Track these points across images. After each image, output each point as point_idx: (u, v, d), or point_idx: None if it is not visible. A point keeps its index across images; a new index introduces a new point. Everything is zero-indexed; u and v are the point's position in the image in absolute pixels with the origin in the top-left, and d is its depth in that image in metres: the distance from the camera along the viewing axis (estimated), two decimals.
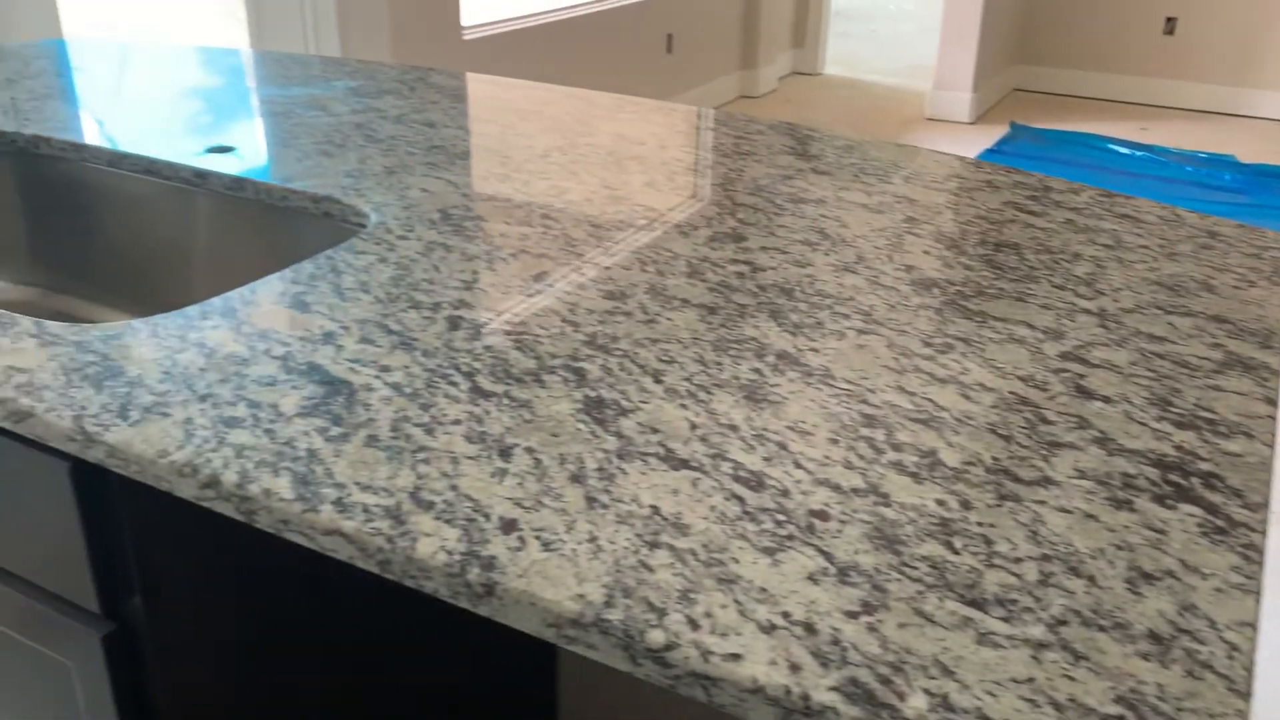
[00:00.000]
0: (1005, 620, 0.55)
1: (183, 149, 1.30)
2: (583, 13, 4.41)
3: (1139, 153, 4.89)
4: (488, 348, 0.83)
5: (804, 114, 5.50)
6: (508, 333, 0.86)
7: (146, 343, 0.83)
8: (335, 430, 0.71)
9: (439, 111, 1.51)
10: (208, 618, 0.86)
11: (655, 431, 0.72)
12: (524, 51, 4.10)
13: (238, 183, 1.22)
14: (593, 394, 0.76)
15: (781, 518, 0.63)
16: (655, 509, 0.64)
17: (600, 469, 0.67)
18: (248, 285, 0.94)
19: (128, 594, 0.80)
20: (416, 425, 0.72)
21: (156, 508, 0.77)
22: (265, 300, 0.91)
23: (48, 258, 1.43)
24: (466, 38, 3.74)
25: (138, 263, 1.35)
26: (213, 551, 0.84)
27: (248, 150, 1.31)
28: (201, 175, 1.24)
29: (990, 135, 5.29)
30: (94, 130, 1.38)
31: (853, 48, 7.28)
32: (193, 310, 0.89)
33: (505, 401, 0.75)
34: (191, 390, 0.76)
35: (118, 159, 1.30)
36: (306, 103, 1.53)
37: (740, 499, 0.65)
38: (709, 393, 0.77)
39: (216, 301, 0.91)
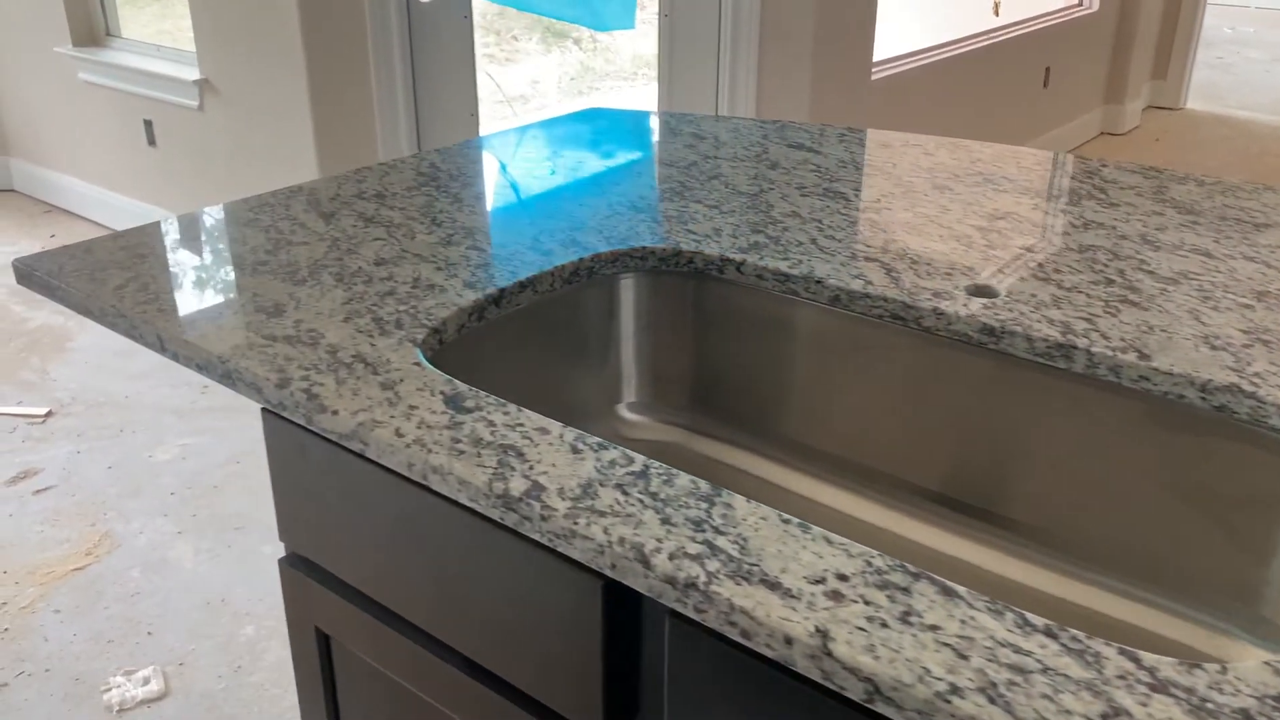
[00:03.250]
0: None
1: (911, 285, 1.02)
2: (972, 47, 4.02)
3: None
4: None
5: (1185, 157, 4.91)
6: None
7: None
8: None
9: (1139, 222, 1.17)
10: None
11: None
12: (918, 89, 3.75)
13: (1060, 350, 0.92)
14: None
15: None
16: None
17: None
18: None
19: None
20: None
21: None
22: None
23: (705, 397, 1.18)
24: (874, 77, 3.43)
25: (853, 425, 1.08)
26: None
27: (1012, 291, 1.02)
28: (993, 333, 0.95)
29: None
30: (764, 247, 1.12)
31: (1205, 78, 6.56)
32: None
33: None
34: None
35: (848, 297, 1.03)
36: (1002, 214, 1.23)
37: None
38: None
39: None
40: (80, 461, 2.47)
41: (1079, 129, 5.03)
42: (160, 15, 4.52)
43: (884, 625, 0.59)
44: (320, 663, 1.00)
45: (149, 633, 1.92)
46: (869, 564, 0.64)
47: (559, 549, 0.70)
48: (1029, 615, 0.60)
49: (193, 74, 3.31)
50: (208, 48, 3.25)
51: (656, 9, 3.08)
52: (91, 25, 3.80)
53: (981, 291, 1.02)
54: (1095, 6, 4.82)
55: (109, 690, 1.77)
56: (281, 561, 0.99)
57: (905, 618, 0.60)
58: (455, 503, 0.79)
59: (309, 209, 1.24)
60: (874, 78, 3.48)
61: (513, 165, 1.41)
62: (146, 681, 1.78)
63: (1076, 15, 4.71)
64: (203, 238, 1.16)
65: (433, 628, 0.87)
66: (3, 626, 1.94)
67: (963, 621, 0.60)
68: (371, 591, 0.91)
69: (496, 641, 0.82)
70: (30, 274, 1.07)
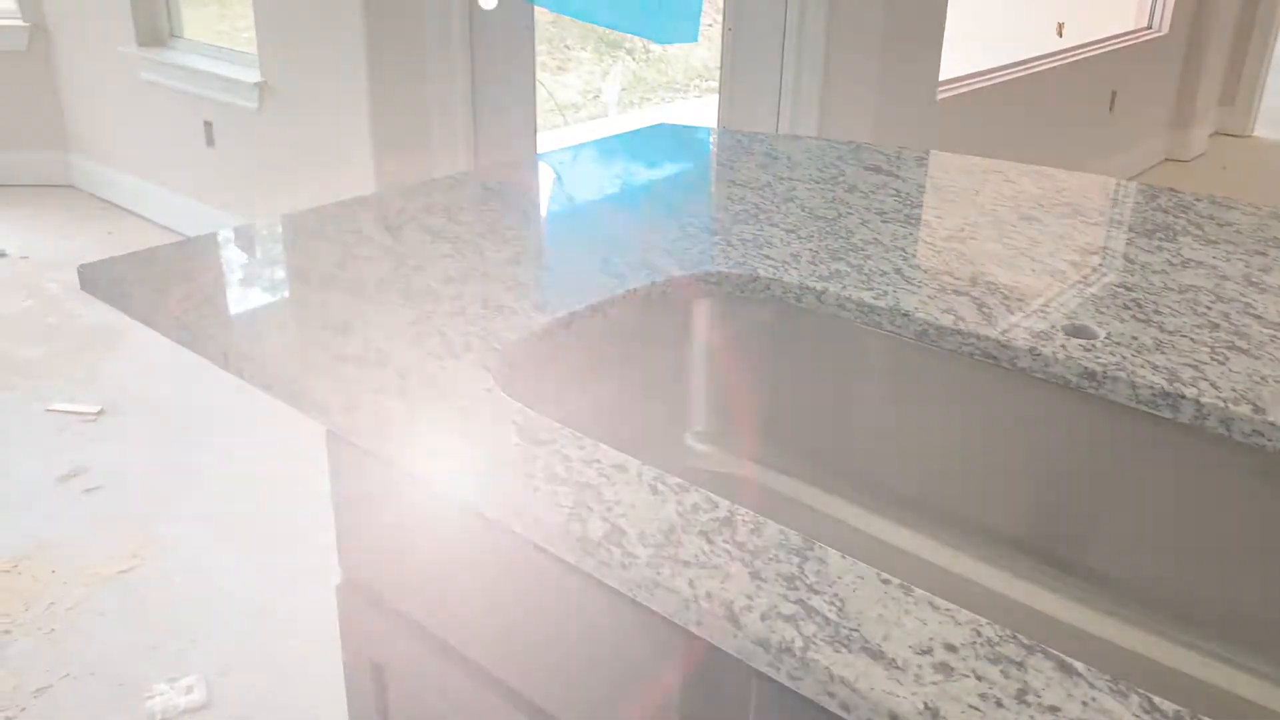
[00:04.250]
0: None
1: (1005, 323, 0.96)
2: (1037, 69, 3.95)
3: None
4: None
5: (1253, 186, 4.79)
6: None
7: None
8: None
9: (1241, 262, 1.11)
10: None
11: None
12: (982, 110, 3.69)
13: (1167, 398, 0.87)
14: None
15: None
16: None
17: None
18: None
19: None
20: None
21: None
22: None
23: (776, 429, 1.14)
24: (939, 97, 3.37)
25: (933, 465, 1.03)
26: None
27: (1112, 334, 0.96)
28: (1094, 377, 0.90)
29: None
30: (845, 276, 1.08)
31: (1274, 105, 6.40)
32: None
33: None
34: None
35: (937, 332, 0.99)
36: (1095, 249, 1.17)
37: None
38: None
39: None
40: (129, 462, 2.47)
41: (1144, 154, 4.93)
42: (219, 16, 4.56)
43: (999, 704, 0.55)
44: (375, 693, 0.97)
45: (192, 640, 1.90)
46: (978, 633, 0.60)
47: (639, 598, 0.66)
48: (1156, 699, 0.55)
49: (253, 76, 3.32)
50: (269, 51, 3.26)
51: (716, 21, 3.05)
52: (156, 26, 3.84)
53: (1080, 332, 0.97)
54: (1165, 29, 4.72)
55: (152, 698, 1.75)
56: (339, 588, 0.96)
57: (1021, 696, 0.55)
58: (528, 540, 0.75)
59: (375, 222, 1.21)
60: (943, 96, 3.42)
61: (581, 182, 1.37)
62: (189, 690, 1.76)
63: (1146, 38, 4.61)
64: (268, 249, 1.13)
65: (496, 668, 0.83)
66: (49, 627, 1.93)
67: (1084, 703, 0.55)
68: (433, 625, 0.88)
69: (563, 686, 0.78)
70: (95, 282, 1.05)
